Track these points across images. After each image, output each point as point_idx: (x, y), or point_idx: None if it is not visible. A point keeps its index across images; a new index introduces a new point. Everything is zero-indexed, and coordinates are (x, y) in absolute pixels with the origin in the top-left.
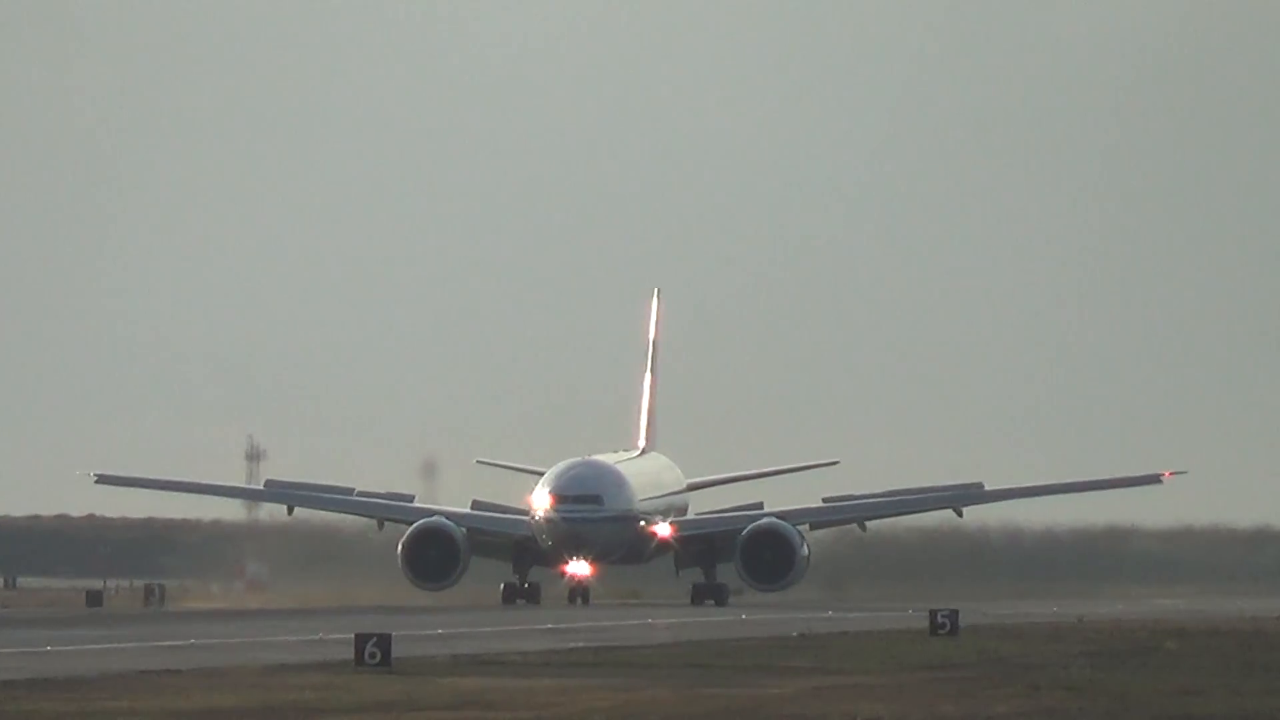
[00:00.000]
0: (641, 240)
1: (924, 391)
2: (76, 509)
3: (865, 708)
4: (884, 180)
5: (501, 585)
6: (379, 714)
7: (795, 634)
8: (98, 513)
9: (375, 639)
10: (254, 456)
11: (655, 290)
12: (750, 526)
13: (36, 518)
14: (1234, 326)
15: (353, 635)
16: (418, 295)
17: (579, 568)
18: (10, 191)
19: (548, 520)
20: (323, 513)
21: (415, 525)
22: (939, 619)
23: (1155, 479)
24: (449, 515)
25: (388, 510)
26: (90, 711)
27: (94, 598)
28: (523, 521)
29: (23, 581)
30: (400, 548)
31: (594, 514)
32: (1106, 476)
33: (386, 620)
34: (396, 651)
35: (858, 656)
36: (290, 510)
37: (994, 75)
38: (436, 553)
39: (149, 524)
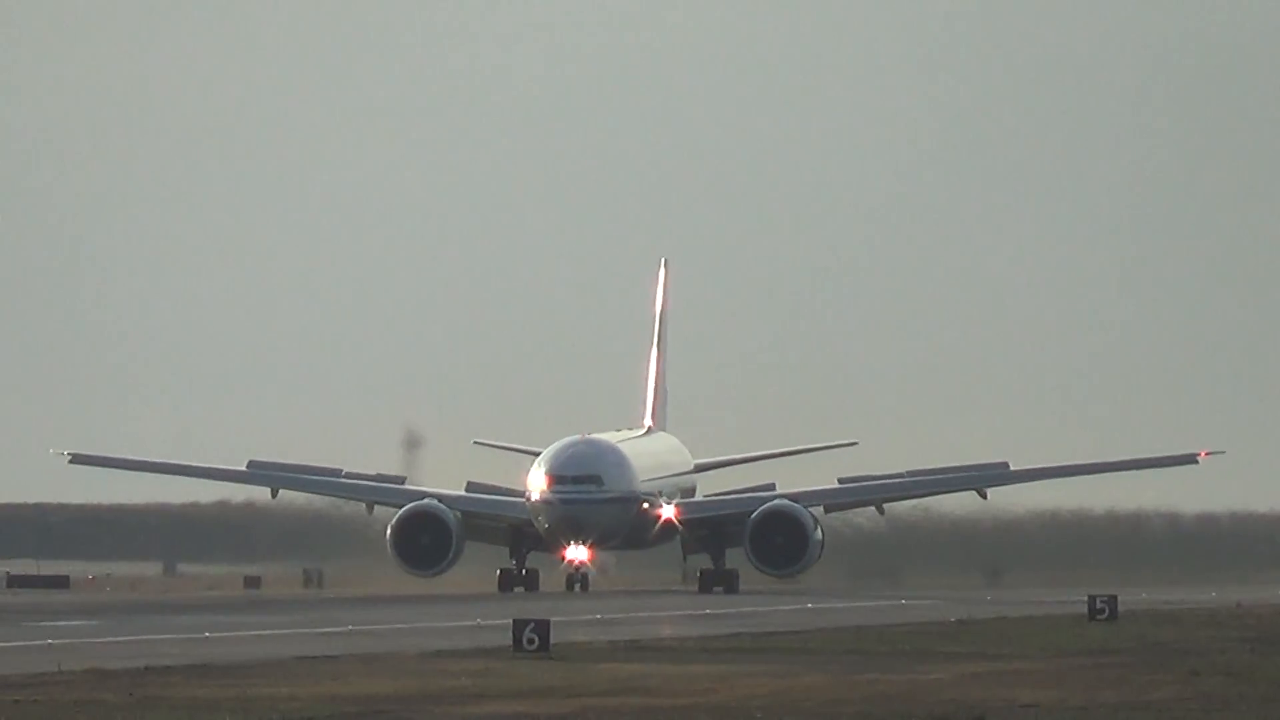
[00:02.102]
0: (648, 208)
1: (946, 368)
2: (235, 495)
3: (1024, 694)
4: (905, 149)
5: (497, 571)
6: (537, 700)
7: (953, 620)
8: (256, 499)
9: (533, 625)
10: (412, 444)
11: (662, 261)
12: (760, 508)
13: (194, 504)
14: (1270, 303)
15: (510, 621)
16: (415, 267)
17: (577, 552)
18: (144, 176)
19: (544, 502)
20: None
21: (404, 508)
22: (1097, 604)
23: (1191, 459)
24: (441, 498)
25: (377, 493)
26: (248, 697)
27: (252, 583)
28: (519, 504)
29: (181, 567)
30: (389, 532)
31: (593, 495)
32: (1136, 456)
33: (544, 606)
34: (554, 637)
35: (1016, 642)
36: (274, 493)
37: (1013, 36)
38: (428, 538)
39: (309, 510)
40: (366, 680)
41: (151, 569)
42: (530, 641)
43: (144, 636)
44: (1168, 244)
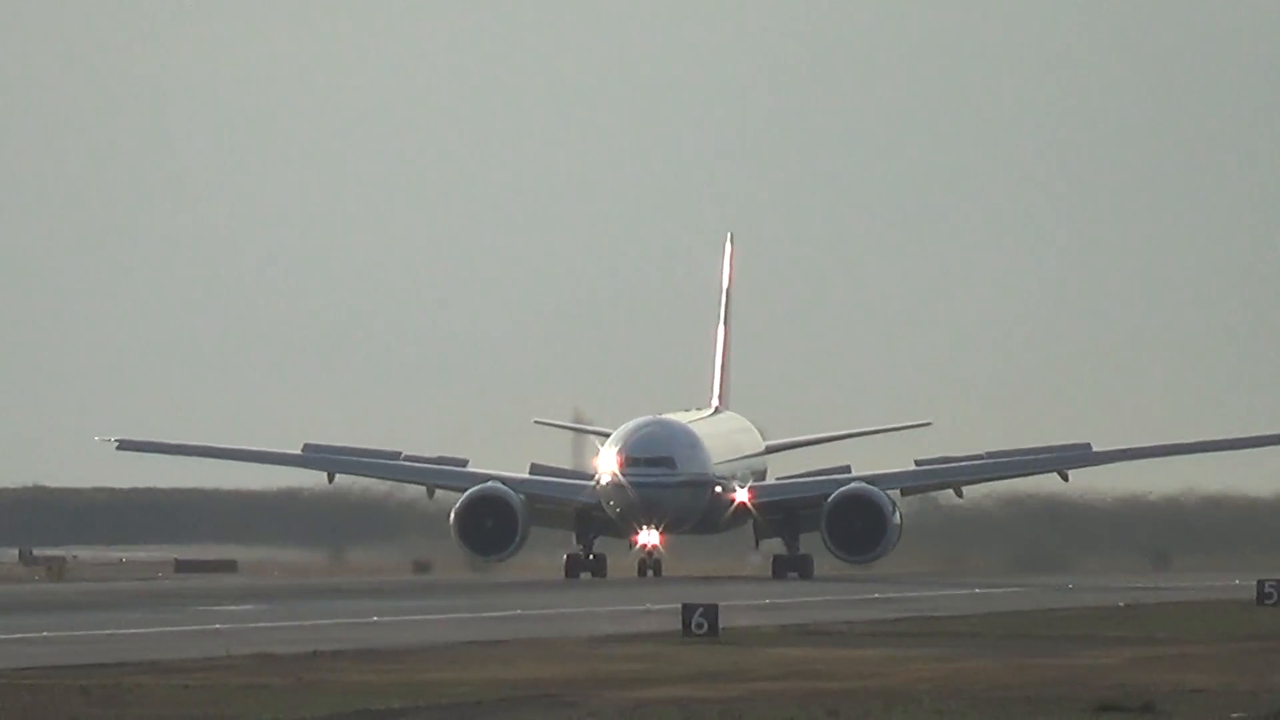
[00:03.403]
0: (713, 182)
1: (1023, 345)
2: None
3: (1191, 678)
4: (979, 114)
5: (564, 557)
6: (706, 684)
7: (1120, 604)
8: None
9: (702, 609)
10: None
11: (728, 235)
12: (837, 492)
13: (367, 490)
14: None
15: (679, 605)
16: (474, 244)
17: (649, 536)
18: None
19: (615, 485)
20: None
21: (469, 492)
22: (1265, 589)
23: None
24: (506, 481)
25: (439, 476)
26: (416, 682)
27: (422, 568)
28: (586, 487)
29: (350, 553)
30: (453, 516)
31: (666, 478)
32: (1224, 436)
33: (713, 590)
34: (723, 621)
35: (1183, 627)
36: (331, 477)
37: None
38: (493, 522)
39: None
40: (534, 664)
41: (319, 554)
42: (699, 626)
43: (312, 621)
44: (1249, 218)
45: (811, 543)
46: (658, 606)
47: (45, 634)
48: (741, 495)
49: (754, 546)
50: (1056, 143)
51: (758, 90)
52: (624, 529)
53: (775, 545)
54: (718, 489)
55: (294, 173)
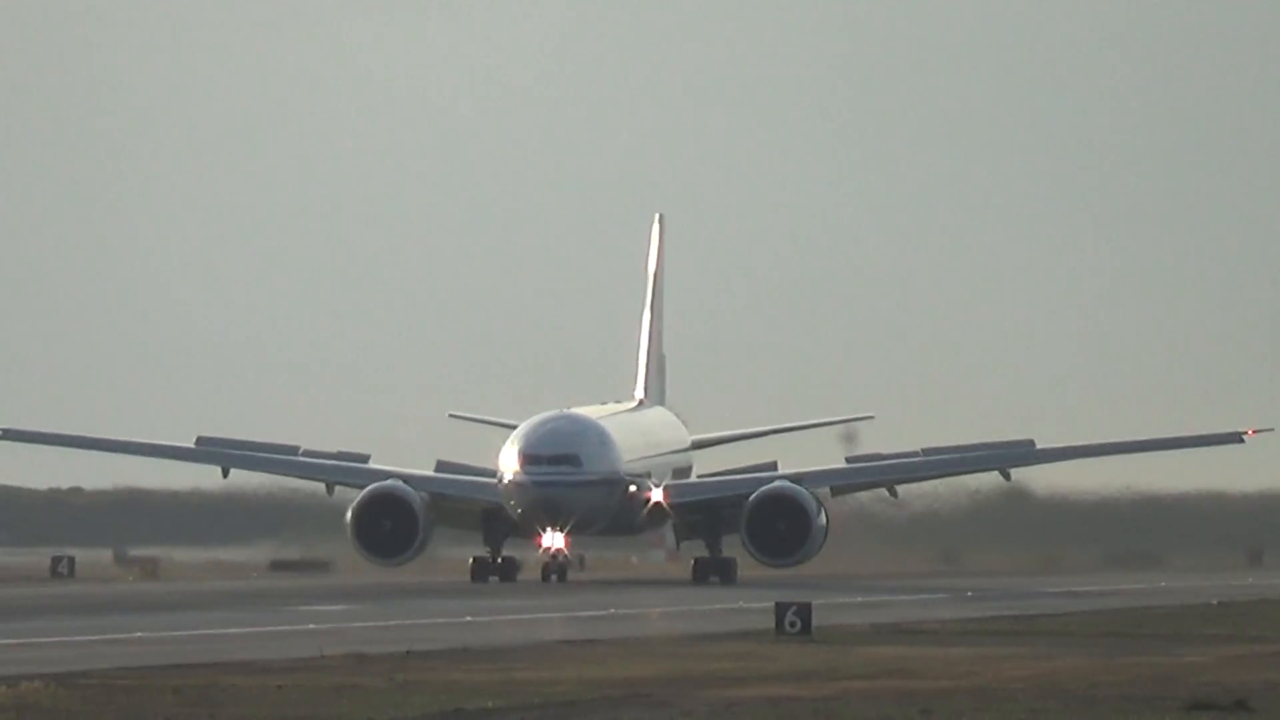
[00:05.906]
0: (641, 159)
1: (968, 338)
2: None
3: None
4: (918, 100)
5: (470, 559)
6: (798, 683)
7: (1215, 602)
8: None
9: (795, 608)
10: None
11: (657, 216)
12: (757, 491)
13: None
14: None
15: (773, 604)
16: (380, 225)
17: (554, 539)
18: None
19: (516, 484)
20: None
21: (366, 490)
22: None
23: (1237, 438)
24: (408, 478)
25: (338, 473)
26: (509, 681)
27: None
28: (493, 485)
29: (438, 550)
30: (350, 516)
31: (570, 477)
32: (1173, 434)
33: (806, 589)
34: (816, 620)
35: (1277, 624)
36: (225, 472)
37: None
38: (392, 523)
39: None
40: (628, 663)
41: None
42: (792, 624)
43: (405, 621)
44: (1205, 212)
45: (735, 544)
46: (751, 605)
47: (139, 634)
48: (657, 495)
49: (675, 549)
50: (993, 129)
51: (691, 65)
52: (529, 530)
53: (697, 547)
54: (631, 488)
55: (182, 159)
